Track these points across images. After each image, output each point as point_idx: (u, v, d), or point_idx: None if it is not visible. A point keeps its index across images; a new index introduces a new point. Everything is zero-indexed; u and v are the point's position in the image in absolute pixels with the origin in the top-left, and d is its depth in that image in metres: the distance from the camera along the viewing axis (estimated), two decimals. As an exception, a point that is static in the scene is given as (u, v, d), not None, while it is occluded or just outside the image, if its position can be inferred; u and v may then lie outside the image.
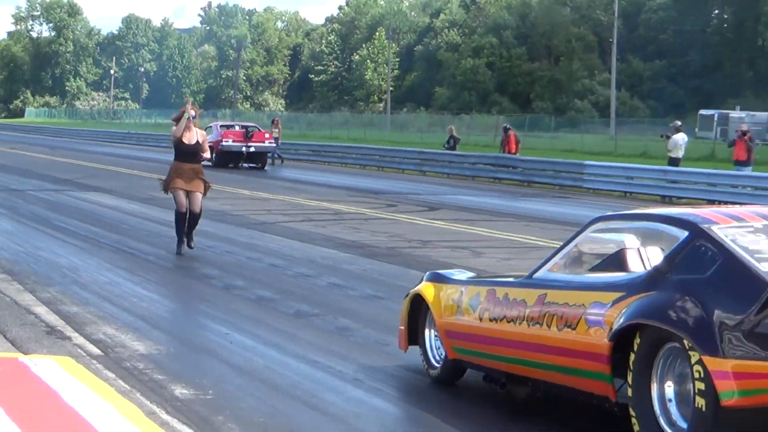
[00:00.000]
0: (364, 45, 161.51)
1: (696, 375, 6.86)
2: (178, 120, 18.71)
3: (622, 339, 7.47)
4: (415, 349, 10.64)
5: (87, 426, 8.71)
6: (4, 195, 32.26)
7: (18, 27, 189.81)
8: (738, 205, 10.40)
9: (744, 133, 38.74)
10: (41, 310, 13.80)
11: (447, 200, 33.65)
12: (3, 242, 20.92)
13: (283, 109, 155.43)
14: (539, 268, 9.10)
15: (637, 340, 7.40)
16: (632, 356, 7.44)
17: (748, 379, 6.53)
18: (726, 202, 33.67)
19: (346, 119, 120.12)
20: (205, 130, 51.18)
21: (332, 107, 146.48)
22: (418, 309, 10.46)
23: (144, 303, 14.79)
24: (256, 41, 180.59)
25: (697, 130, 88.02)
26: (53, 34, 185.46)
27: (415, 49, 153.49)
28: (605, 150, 66.53)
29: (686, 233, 7.67)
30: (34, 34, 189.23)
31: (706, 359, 6.67)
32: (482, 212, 29.64)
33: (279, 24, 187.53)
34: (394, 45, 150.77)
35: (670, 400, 7.35)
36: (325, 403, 10.03)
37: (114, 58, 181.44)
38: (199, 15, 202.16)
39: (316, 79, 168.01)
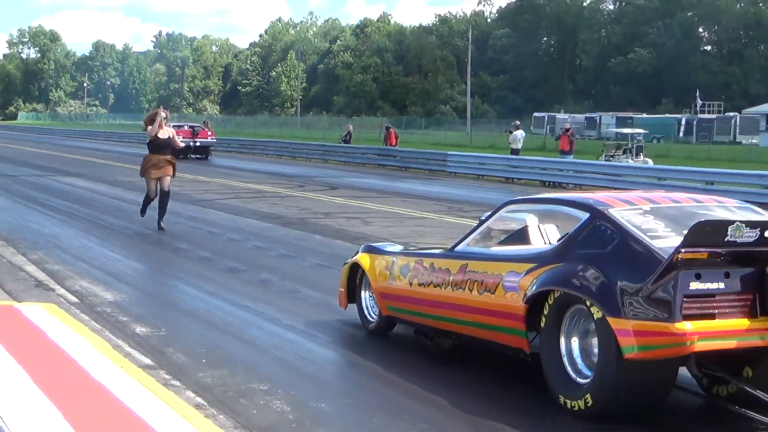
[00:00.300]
0: (279, 64, 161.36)
1: (600, 333, 6.74)
2: (150, 121, 18.10)
3: (535, 302, 7.33)
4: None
5: (67, 358, 8.62)
6: (0, 179, 31.73)
7: (11, 50, 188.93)
8: (625, 191, 9.25)
9: (567, 130, 39.38)
10: (31, 268, 13.71)
11: (343, 182, 33.68)
12: (2, 215, 20.64)
13: (218, 113, 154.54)
14: (459, 242, 8.91)
15: (549, 303, 7.25)
16: (543, 316, 7.30)
17: (645, 336, 6.41)
18: (554, 183, 34.08)
19: (266, 120, 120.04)
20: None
21: (255, 111, 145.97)
22: (355, 275, 10.07)
23: (110, 262, 14.69)
24: (196, 61, 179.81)
25: (531, 128, 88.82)
26: (39, 55, 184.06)
27: (318, 66, 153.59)
28: (463, 143, 66.89)
29: (587, 215, 7.50)
30: (23, 56, 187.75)
31: (611, 320, 6.56)
32: (370, 191, 29.66)
33: (214, 48, 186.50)
34: (302, 64, 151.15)
35: (575, 353, 7.20)
36: (252, 338, 9.97)
37: (86, 74, 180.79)
38: (152, 41, 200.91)
39: (243, 90, 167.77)
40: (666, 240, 6.91)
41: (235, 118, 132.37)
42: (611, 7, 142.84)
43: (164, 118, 18.11)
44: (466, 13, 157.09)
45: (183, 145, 19.81)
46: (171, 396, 7.54)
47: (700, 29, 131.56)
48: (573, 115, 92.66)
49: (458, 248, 8.80)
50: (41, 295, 11.61)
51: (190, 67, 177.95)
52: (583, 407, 6.88)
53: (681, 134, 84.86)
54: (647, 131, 53.77)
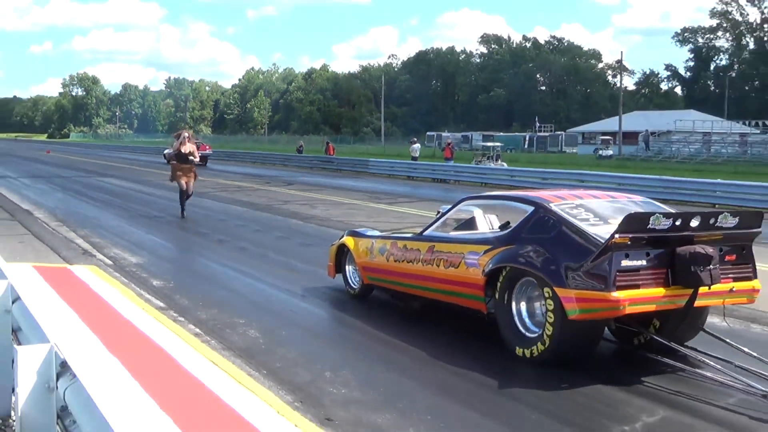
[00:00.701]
0: (252, 99, 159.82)
1: (547, 299, 6.39)
2: (177, 138, 17.06)
3: (492, 275, 6.92)
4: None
5: (102, 301, 8.49)
6: (58, 179, 31.14)
7: (64, 89, 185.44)
8: (554, 190, 8.98)
9: (449, 144, 39.51)
10: (80, 240, 13.49)
11: (297, 180, 33.40)
12: (57, 204, 20.29)
13: (210, 133, 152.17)
14: (426, 228, 8.27)
15: (503, 275, 6.84)
16: (498, 286, 6.89)
17: (585, 302, 6.10)
18: (441, 179, 34.27)
19: (244, 138, 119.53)
20: (171, 145, 51.00)
21: (236, 132, 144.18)
22: (342, 253, 9.39)
23: (135, 236, 14.48)
24: (195, 97, 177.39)
25: (425, 142, 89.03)
26: (84, 93, 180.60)
27: (279, 101, 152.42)
28: (380, 153, 66.87)
29: (532, 208, 6.98)
30: (73, 93, 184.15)
31: (558, 289, 6.23)
32: (315, 186, 29.51)
33: (207, 88, 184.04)
34: (268, 99, 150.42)
35: (523, 314, 6.79)
36: (233, 287, 9.89)
37: (118, 106, 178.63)
38: (164, 83, 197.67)
39: (228, 117, 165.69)
40: (597, 228, 6.53)
41: (222, 136, 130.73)
42: (478, 60, 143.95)
43: (187, 137, 17.03)
44: (380, 64, 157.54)
45: (198, 158, 17.90)
46: (178, 328, 7.51)
47: (538, 75, 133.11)
48: (453, 133, 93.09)
49: (426, 233, 8.19)
50: (86, 259, 11.45)
51: (191, 102, 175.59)
52: (533, 355, 6.52)
53: (526, 146, 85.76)
54: (503, 144, 54.37)
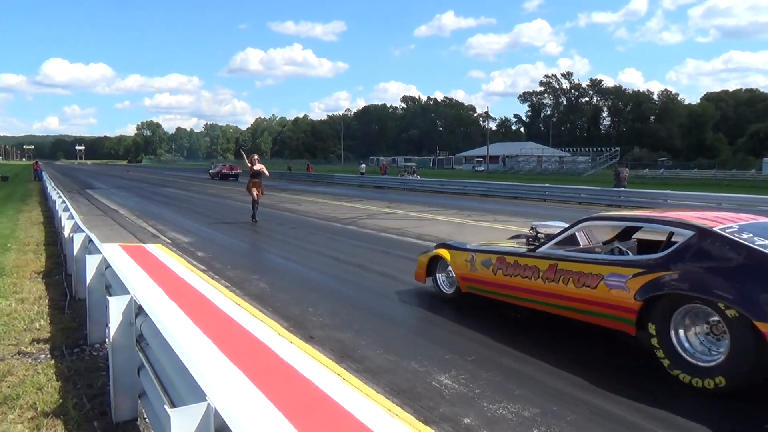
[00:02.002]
0: (260, 136, 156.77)
1: (733, 330, 3.87)
2: (249, 160, 14.32)
3: (651, 300, 4.30)
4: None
5: (165, 267, 8.27)
6: (135, 189, 30.08)
7: (138, 132, 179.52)
8: (677, 210, 4.95)
9: (383, 164, 39.14)
10: (151, 228, 12.96)
11: (289, 188, 32.71)
12: (134, 205, 19.51)
13: (233, 158, 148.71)
14: (540, 246, 5.35)
15: (663, 300, 4.24)
16: (659, 312, 4.26)
17: None
18: (378, 186, 34.04)
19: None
20: (214, 166, 49.14)
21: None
22: (434, 263, 6.57)
23: (187, 225, 13.96)
24: (223, 135, 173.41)
25: (369, 163, 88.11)
26: (151, 133, 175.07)
27: (277, 139, 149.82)
28: (341, 170, 66.11)
29: (692, 233, 4.31)
30: (144, 133, 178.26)
31: (758, 323, 3.72)
32: (299, 192, 28.93)
33: (231, 130, 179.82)
34: (269, 138, 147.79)
35: (691, 341, 4.17)
36: (251, 256, 9.67)
37: (173, 142, 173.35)
38: (203, 127, 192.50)
39: (243, 149, 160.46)
40: None
41: (240, 161, 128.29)
42: (400, 111, 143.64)
43: (257, 159, 14.43)
44: (340, 114, 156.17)
45: (268, 174, 14.67)
46: (214, 282, 7.35)
47: (438, 121, 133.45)
48: (386, 157, 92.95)
49: (541, 251, 5.30)
50: (154, 240, 11.04)
51: (221, 139, 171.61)
52: (710, 386, 3.95)
53: (431, 165, 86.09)
54: (417, 164, 54.42)
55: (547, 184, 25.30)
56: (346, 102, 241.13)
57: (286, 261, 9.23)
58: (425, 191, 29.34)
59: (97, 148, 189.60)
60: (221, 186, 33.54)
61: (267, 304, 6.47)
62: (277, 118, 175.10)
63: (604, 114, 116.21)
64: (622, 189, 20.86)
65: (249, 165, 14.26)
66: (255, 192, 14.30)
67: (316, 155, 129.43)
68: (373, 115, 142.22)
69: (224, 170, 43.89)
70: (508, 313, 5.84)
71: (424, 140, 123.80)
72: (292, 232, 12.55)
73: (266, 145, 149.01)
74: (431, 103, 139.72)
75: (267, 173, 14.38)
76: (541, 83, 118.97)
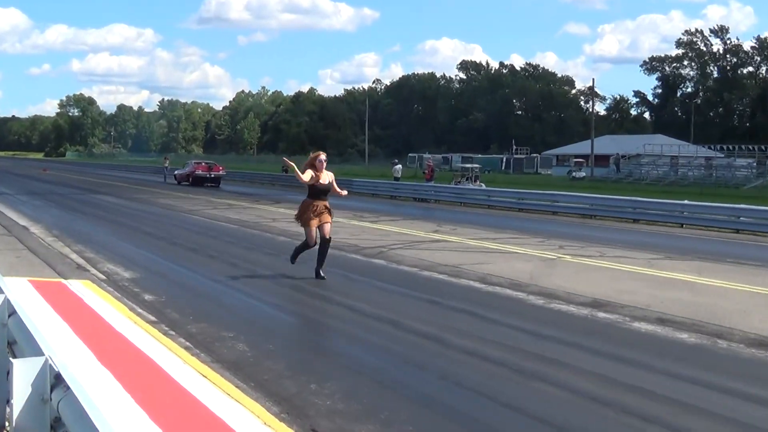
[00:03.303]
0: (242, 121, 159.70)
1: None
2: (310, 165, 11.24)
3: None
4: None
5: (96, 315, 8.42)
6: (54, 195, 30.87)
7: (61, 110, 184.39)
8: None
9: (429, 165, 39.49)
10: (74, 256, 13.28)
11: (285, 198, 33.15)
12: (54, 220, 20.01)
13: (201, 153, 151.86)
14: None
15: None
16: None
17: None
18: (422, 199, 34.30)
19: (234, 158, 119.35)
20: (184, 165, 48.27)
21: (227, 152, 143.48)
22: None
23: (128, 252, 14.28)
24: (187, 118, 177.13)
25: (407, 163, 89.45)
26: (80, 113, 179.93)
27: (268, 123, 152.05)
28: (363, 173, 67.02)
29: None
30: (70, 114, 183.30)
31: None
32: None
33: (199, 109, 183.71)
34: (257, 121, 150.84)
35: None
36: (224, 302, 9.80)
37: (113, 126, 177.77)
38: (158, 104, 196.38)
39: (219, 138, 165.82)
40: None
41: (213, 156, 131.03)
42: (457, 85, 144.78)
43: (325, 161, 11.35)
44: (365, 88, 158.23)
45: (345, 193, 12.07)
46: (169, 341, 7.41)
47: (514, 100, 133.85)
48: (434, 154, 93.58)
49: None
50: (80, 274, 11.27)
51: (183, 123, 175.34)
52: None
53: (503, 168, 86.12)
54: (481, 165, 54.49)
55: (685, 201, 25.06)
56: (374, 70, 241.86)
57: (277, 311, 9.28)
58: (494, 207, 29.26)
59: (0, 134, 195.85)
60: (188, 195, 34.02)
61: (248, 376, 6.49)
62: (269, 93, 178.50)
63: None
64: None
65: (304, 176, 11.17)
66: (315, 223, 11.17)
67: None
68: (414, 90, 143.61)
69: (198, 171, 44.15)
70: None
71: (492, 130, 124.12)
72: (289, 267, 12.67)
73: (252, 134, 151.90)
74: (505, 72, 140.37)
75: (343, 192, 11.75)
76: (679, 44, 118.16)
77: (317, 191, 11.23)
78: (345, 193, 11.85)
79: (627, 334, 8.16)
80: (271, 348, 7.46)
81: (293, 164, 11.73)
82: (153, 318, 8.52)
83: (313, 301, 9.69)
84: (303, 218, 11.28)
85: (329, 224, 11.32)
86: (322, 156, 11.31)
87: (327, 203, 11.33)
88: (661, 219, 23.84)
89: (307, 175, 11.09)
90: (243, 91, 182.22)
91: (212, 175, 43.70)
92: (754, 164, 63.16)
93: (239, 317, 8.88)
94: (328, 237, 11.22)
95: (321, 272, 11.15)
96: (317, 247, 11.22)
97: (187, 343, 7.44)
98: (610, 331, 8.25)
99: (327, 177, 11.27)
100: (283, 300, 9.83)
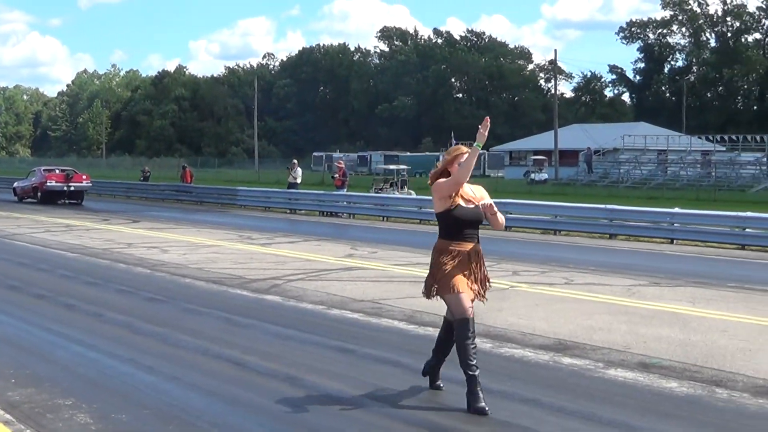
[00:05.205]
0: (86, 111, 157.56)
1: None
2: (445, 172, 7.73)
3: None
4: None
5: None
6: None
7: None
8: None
9: (340, 167, 39.59)
10: None
11: (145, 215, 33.00)
12: None
13: (29, 156, 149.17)
14: None
15: None
16: None
17: None
18: (330, 212, 34.39)
19: (74, 162, 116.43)
20: (28, 174, 46.91)
21: (64, 154, 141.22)
22: None
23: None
24: (8, 109, 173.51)
25: (312, 165, 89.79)
26: None
27: (121, 113, 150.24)
28: (252, 180, 66.91)
29: None
30: None
31: None
32: (169, 222, 29.19)
33: (24, 96, 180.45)
34: (106, 111, 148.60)
35: None
36: (57, 358, 9.67)
37: None
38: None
39: (53, 134, 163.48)
40: None
41: (45, 159, 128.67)
42: (377, 60, 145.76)
43: (464, 150, 7.73)
44: (253, 65, 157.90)
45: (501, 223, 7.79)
46: (-19, 415, 7.26)
47: (453, 79, 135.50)
48: (347, 154, 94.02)
49: None
50: None
51: (3, 114, 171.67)
52: None
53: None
54: (410, 167, 54.92)
55: (676, 209, 25.76)
56: (266, 41, 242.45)
57: (132, 368, 9.17)
58: (428, 223, 29.52)
59: None
60: (11, 213, 33.36)
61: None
62: (122, 74, 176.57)
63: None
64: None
65: (443, 192, 7.69)
66: (468, 283, 7.66)
67: (202, 149, 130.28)
68: (319, 67, 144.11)
69: (50, 182, 43.33)
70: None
71: (424, 119, 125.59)
72: (148, 310, 12.53)
73: (99, 128, 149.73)
74: (440, 42, 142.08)
75: (501, 219, 7.75)
76: (666, 4, 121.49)
77: (461, 224, 7.67)
78: (501, 221, 7.78)
79: (600, 384, 8.34)
80: (124, 419, 7.37)
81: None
82: (-43, 382, 8.33)
83: (183, 354, 9.61)
84: (439, 277, 7.64)
85: (481, 288, 7.78)
86: (464, 149, 7.77)
87: (478, 245, 7.79)
88: (645, 233, 24.48)
89: (443, 193, 7.67)
90: (86, 71, 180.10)
91: (71, 188, 42.95)
92: (764, 159, 65.09)
93: (79, 378, 8.75)
94: (469, 315, 7.52)
95: (440, 383, 8.12)
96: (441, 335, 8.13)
97: (8, 416, 7.31)
98: (579, 382, 8.43)
99: (474, 192, 7.84)
100: (141, 353, 9.71)
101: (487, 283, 7.82)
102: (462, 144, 9.55)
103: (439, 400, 7.73)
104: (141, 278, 15.69)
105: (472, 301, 7.60)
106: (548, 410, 7.41)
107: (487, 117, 7.70)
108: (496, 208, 7.61)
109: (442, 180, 7.66)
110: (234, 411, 7.64)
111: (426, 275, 7.80)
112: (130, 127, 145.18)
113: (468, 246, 7.63)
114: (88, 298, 13.51)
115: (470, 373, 7.35)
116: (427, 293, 7.78)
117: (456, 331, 7.55)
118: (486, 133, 7.31)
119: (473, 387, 7.34)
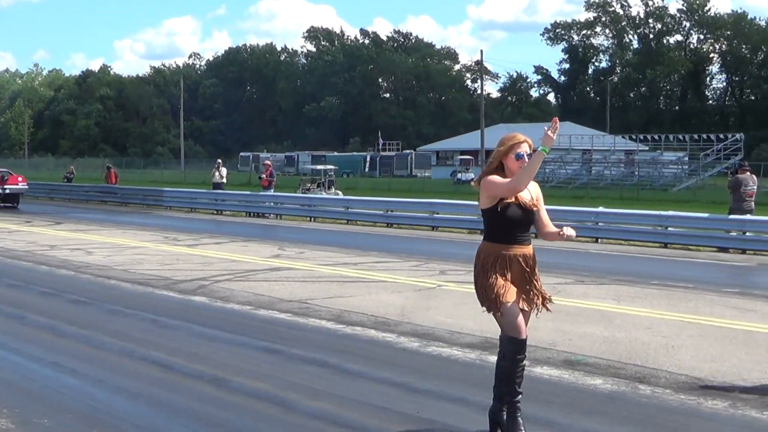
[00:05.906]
0: (7, 111, 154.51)
1: None
2: (499, 165, 6.62)
3: None
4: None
5: None
6: None
7: None
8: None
9: (267, 167, 39.35)
10: None
11: (69, 217, 32.50)
12: None
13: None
14: None
15: None
16: None
17: None
18: (256, 213, 34.27)
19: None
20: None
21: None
22: None
23: None
24: None
25: (239, 165, 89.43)
26: None
27: (44, 113, 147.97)
28: (178, 180, 66.40)
29: None
30: None
31: None
32: (93, 224, 28.81)
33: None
34: (29, 111, 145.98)
35: None
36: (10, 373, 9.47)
37: None
38: None
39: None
40: None
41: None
42: (303, 61, 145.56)
43: (528, 155, 6.50)
44: (179, 65, 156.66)
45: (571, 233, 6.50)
46: None
47: (380, 80, 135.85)
48: (274, 154, 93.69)
49: None
50: None
51: None
52: None
53: (366, 169, 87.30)
54: (338, 167, 54.92)
55: (600, 208, 26.12)
56: (192, 40, 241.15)
57: (55, 371, 9.04)
58: (355, 223, 29.52)
59: None
60: None
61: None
62: (44, 73, 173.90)
63: (714, 68, 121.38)
64: (747, 218, 21.94)
65: (507, 191, 6.52)
66: (518, 294, 6.64)
67: (128, 149, 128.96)
68: (246, 67, 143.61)
69: None
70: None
71: (351, 119, 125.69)
72: (72, 312, 12.37)
73: (21, 128, 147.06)
74: (367, 43, 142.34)
75: (569, 232, 6.58)
76: (589, 5, 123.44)
77: (511, 224, 6.59)
78: (571, 233, 6.56)
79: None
80: (47, 423, 7.26)
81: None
82: None
83: (108, 357, 9.49)
84: (487, 287, 6.54)
85: (537, 298, 6.76)
86: (526, 146, 6.56)
87: (531, 250, 6.75)
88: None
89: (494, 194, 6.54)
90: (7, 71, 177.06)
91: (6, 191, 40.84)
92: (685, 159, 66.47)
93: (0, 382, 8.59)
94: (522, 335, 6.67)
95: (518, 418, 6.76)
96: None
97: (-76, 424, 7.14)
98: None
99: (535, 191, 6.75)
100: (65, 356, 9.56)
101: (544, 292, 6.74)
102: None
103: (366, 400, 7.73)
104: (65, 280, 15.46)
105: (527, 314, 6.70)
106: (475, 409, 7.44)
107: (556, 117, 6.52)
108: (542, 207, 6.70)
109: (496, 178, 6.50)
110: (159, 413, 7.56)
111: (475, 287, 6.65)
112: (54, 127, 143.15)
113: (521, 250, 6.58)
114: (10, 301, 13.26)
115: (515, 402, 6.66)
116: (488, 307, 6.54)
117: (505, 349, 6.68)
118: (554, 136, 6.12)
119: (515, 413, 6.65)
